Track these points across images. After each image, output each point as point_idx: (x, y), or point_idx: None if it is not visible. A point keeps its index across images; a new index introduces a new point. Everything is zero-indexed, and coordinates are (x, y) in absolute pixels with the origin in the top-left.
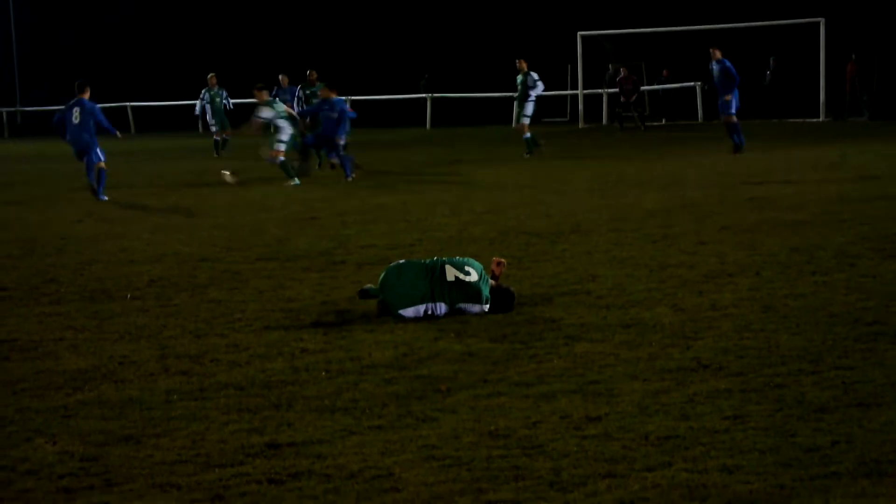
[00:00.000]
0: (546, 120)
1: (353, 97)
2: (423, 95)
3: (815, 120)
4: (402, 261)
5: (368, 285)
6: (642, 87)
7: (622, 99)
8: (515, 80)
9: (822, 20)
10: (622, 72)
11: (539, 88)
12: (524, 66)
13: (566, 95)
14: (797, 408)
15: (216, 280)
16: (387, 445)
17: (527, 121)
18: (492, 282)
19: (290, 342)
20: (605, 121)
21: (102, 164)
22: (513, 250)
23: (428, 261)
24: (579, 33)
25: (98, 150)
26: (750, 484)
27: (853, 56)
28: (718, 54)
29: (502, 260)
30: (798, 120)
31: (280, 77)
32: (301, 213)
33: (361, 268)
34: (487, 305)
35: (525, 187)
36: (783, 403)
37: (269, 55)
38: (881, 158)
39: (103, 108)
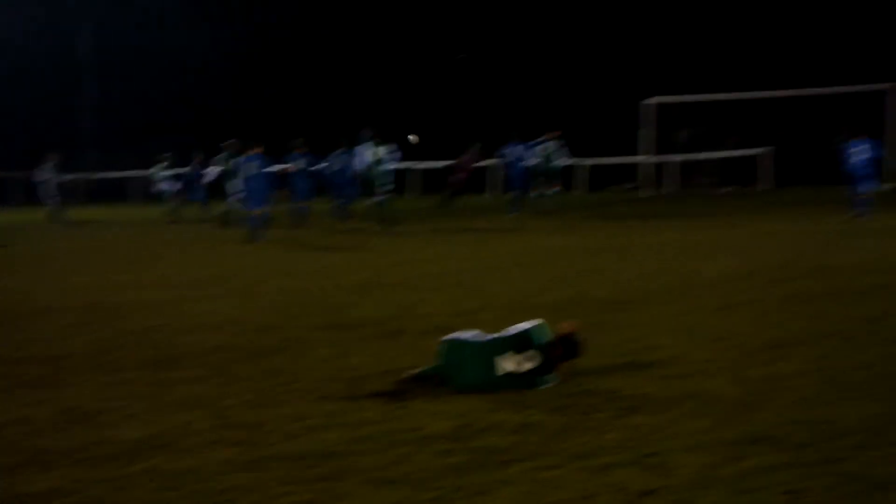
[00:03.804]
0: (614, 187)
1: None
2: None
3: (886, 187)
4: (462, 335)
5: (420, 369)
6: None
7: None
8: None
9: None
10: (464, 156)
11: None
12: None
13: (635, 162)
14: (857, 483)
15: (278, 348)
16: None
17: None
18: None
19: (350, 412)
20: (674, 187)
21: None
22: (575, 319)
23: (490, 338)
24: (648, 101)
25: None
26: None
27: None
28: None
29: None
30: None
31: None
32: (365, 280)
33: (424, 336)
34: (550, 382)
35: (588, 254)
36: (843, 478)
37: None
38: None
39: None
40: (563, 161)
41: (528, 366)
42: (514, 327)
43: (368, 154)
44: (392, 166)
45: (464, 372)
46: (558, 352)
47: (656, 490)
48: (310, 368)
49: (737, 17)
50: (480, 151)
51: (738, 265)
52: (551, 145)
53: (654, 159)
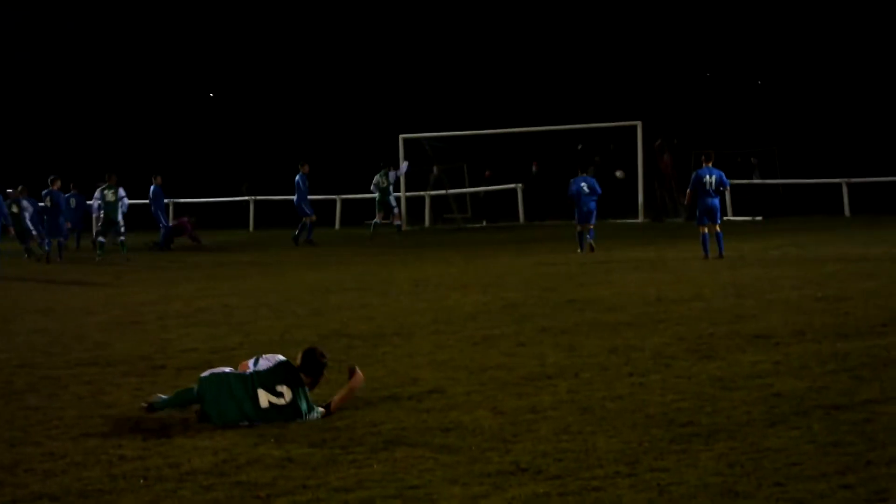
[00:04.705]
0: (368, 222)
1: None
2: (246, 198)
3: (633, 221)
4: (217, 370)
5: (155, 398)
6: None
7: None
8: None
9: (639, 123)
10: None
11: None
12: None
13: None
14: None
15: (34, 386)
16: None
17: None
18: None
19: (109, 449)
20: (427, 223)
21: None
22: (335, 354)
23: (246, 373)
24: (401, 136)
25: None
26: None
27: (665, 155)
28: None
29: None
30: (618, 221)
31: None
32: (122, 317)
33: (182, 372)
34: (314, 414)
35: (347, 290)
36: None
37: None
38: (696, 260)
39: None
40: (395, 194)
41: (283, 400)
42: (263, 360)
43: (108, 195)
44: (124, 208)
45: (225, 407)
46: (309, 379)
47: None
48: (67, 406)
49: (504, 57)
50: (194, 222)
51: (494, 299)
52: (386, 177)
53: (407, 194)
